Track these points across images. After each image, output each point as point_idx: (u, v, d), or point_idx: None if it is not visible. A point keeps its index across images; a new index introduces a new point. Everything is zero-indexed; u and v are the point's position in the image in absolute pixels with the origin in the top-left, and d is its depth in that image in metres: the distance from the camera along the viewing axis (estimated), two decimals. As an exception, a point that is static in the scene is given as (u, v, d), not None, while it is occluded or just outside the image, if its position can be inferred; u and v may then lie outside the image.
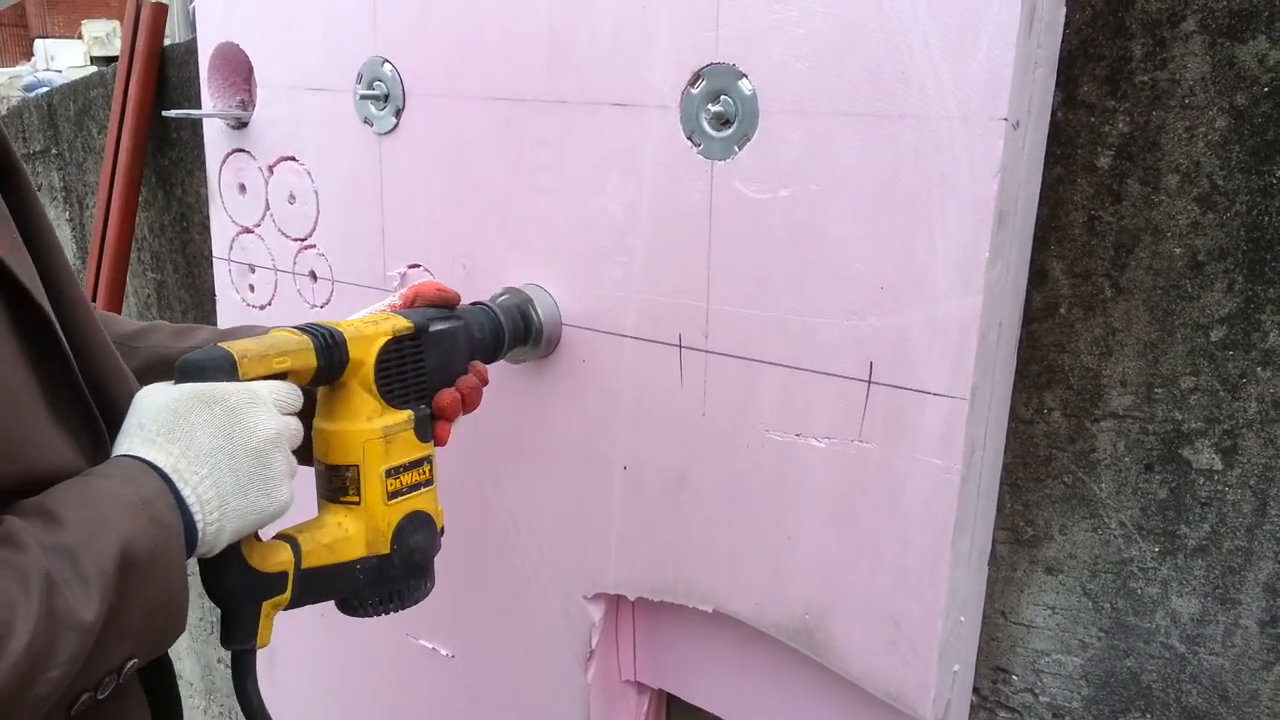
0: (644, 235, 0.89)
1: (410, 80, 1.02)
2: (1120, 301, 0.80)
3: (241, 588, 0.65)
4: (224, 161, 1.24)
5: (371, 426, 0.72)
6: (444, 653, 1.16)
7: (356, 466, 0.72)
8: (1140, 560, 0.84)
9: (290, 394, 0.67)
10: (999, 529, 0.90)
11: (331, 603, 0.74)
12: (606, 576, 1.00)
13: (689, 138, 0.84)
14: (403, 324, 0.76)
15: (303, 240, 1.16)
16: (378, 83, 1.04)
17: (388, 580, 0.74)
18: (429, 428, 0.78)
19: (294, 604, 0.69)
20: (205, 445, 0.60)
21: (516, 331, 0.91)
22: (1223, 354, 0.77)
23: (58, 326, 0.60)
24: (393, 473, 0.73)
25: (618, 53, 0.87)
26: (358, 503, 0.72)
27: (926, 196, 0.74)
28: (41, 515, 0.53)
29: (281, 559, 0.67)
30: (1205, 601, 0.82)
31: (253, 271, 1.24)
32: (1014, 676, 0.93)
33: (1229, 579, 0.81)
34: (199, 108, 1.24)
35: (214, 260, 1.29)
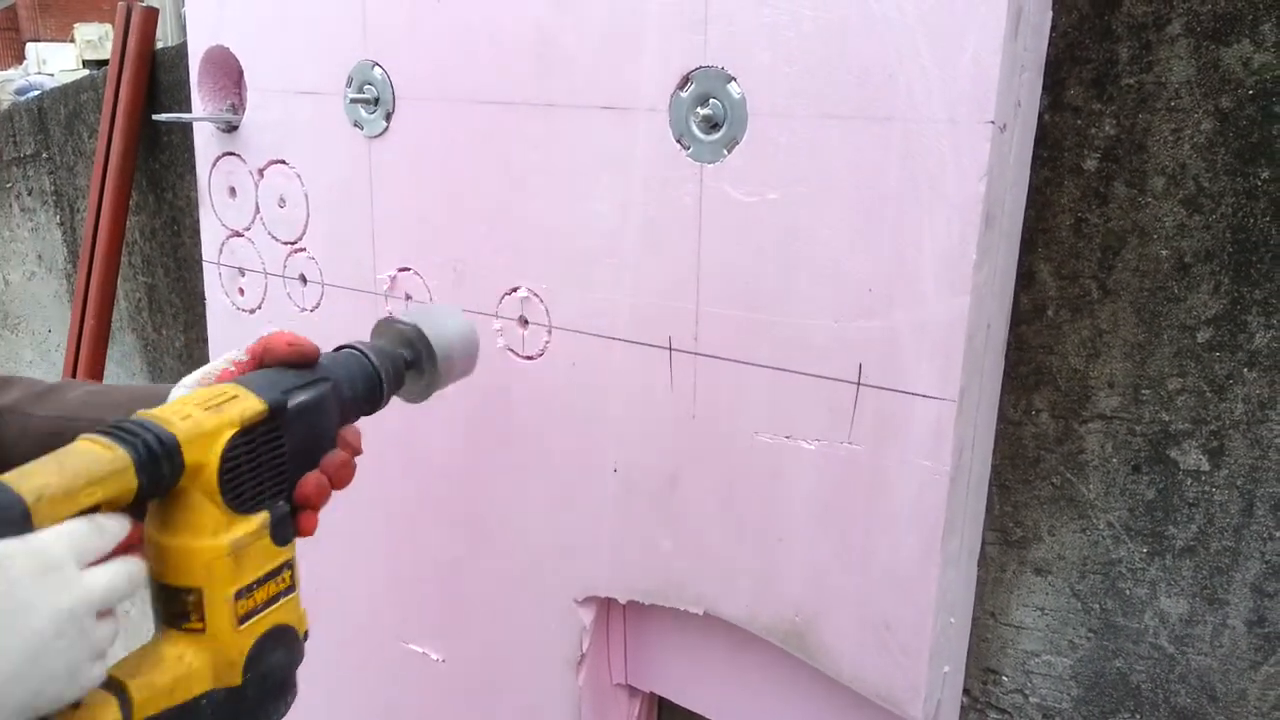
0: (634, 238, 0.89)
1: (400, 84, 1.02)
2: (1107, 303, 0.81)
3: None
4: (214, 165, 1.23)
5: (216, 543, 0.59)
6: (434, 657, 1.16)
7: (200, 590, 0.59)
8: (1129, 561, 0.84)
9: (100, 537, 0.53)
10: (988, 530, 0.90)
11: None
12: (597, 579, 1.00)
13: (678, 141, 0.84)
14: (253, 407, 0.61)
15: (293, 244, 1.16)
16: (368, 86, 1.04)
17: (240, 713, 0.62)
18: (289, 526, 0.64)
19: None
20: None
21: (397, 368, 0.77)
22: (1209, 355, 0.78)
23: None
24: (244, 592, 0.61)
25: (606, 56, 0.87)
26: (202, 630, 0.59)
27: (914, 199, 0.74)
28: None
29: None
30: (1193, 602, 0.82)
31: (242, 275, 1.24)
32: (1004, 677, 0.93)
33: (1217, 579, 0.81)
34: (189, 111, 1.23)
35: (204, 264, 1.29)
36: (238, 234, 1.23)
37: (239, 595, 0.60)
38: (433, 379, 0.81)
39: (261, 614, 0.62)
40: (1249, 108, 0.73)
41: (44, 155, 1.94)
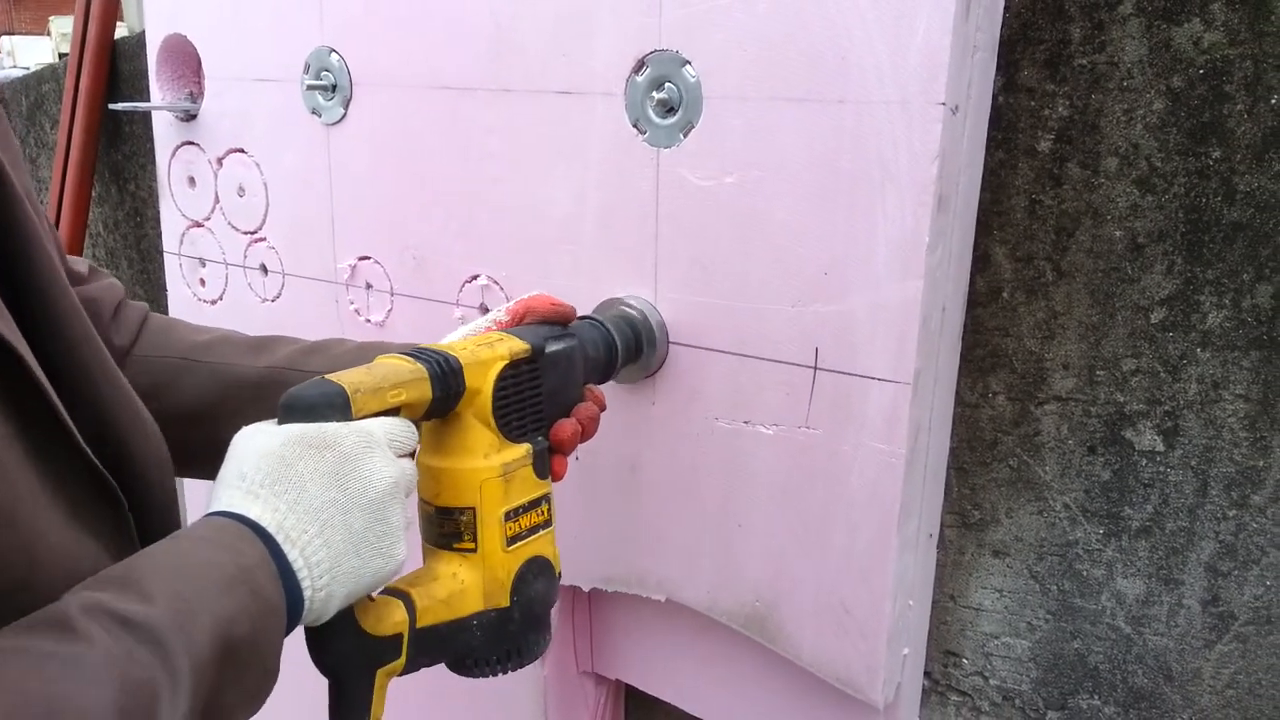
0: (592, 224, 0.88)
1: (358, 70, 1.01)
2: (1062, 285, 0.81)
3: (354, 656, 0.58)
4: (173, 154, 1.22)
5: (489, 464, 0.64)
6: (402, 647, 1.15)
7: (473, 509, 0.64)
8: (1085, 542, 0.84)
9: (406, 433, 0.59)
10: (946, 513, 0.90)
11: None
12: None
13: (634, 125, 0.84)
14: (519, 345, 0.68)
15: (252, 233, 1.15)
16: (325, 73, 1.03)
17: (506, 636, 0.67)
18: (547, 462, 0.70)
19: (408, 669, 0.61)
20: (316, 498, 0.51)
21: (629, 348, 0.82)
22: (1163, 335, 0.78)
23: (50, 391, 0.50)
24: (512, 515, 0.66)
25: (562, 40, 0.86)
26: (474, 550, 0.64)
27: (867, 182, 0.74)
28: (124, 589, 0.44)
29: (396, 619, 0.59)
30: (1149, 582, 0.83)
31: (203, 265, 1.23)
32: (964, 660, 0.93)
33: (1172, 559, 0.81)
34: (149, 100, 1.22)
35: (164, 255, 1.27)
36: (198, 224, 1.22)
37: (507, 517, 0.65)
38: (647, 364, 0.86)
39: (526, 540, 0.67)
40: (1200, 87, 0.73)
41: (7, 147, 1.91)
